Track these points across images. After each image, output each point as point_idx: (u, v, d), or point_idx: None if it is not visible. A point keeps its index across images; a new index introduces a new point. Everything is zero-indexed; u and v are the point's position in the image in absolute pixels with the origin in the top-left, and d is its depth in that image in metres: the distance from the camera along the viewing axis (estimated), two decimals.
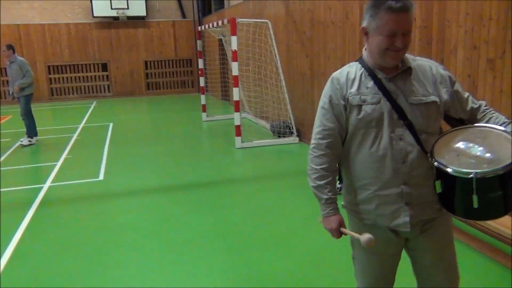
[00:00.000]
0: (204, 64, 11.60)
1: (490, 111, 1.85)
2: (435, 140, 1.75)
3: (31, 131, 8.30)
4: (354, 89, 1.77)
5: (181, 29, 16.50)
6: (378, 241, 1.78)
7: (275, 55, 7.91)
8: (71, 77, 15.89)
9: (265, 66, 8.75)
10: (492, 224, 3.20)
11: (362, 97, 1.75)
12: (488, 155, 1.64)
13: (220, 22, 8.30)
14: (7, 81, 9.27)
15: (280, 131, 7.89)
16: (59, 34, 15.42)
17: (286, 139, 7.76)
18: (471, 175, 1.59)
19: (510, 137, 1.67)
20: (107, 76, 16.17)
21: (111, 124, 10.35)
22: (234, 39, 7.34)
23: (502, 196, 1.62)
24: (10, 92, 8.19)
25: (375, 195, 1.79)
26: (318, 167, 1.84)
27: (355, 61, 1.86)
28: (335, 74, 1.87)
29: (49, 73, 15.63)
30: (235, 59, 7.42)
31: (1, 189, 5.60)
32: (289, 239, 3.92)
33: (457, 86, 1.83)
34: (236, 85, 7.51)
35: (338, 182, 1.93)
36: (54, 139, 8.93)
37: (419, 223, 1.81)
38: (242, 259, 3.56)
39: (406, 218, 1.77)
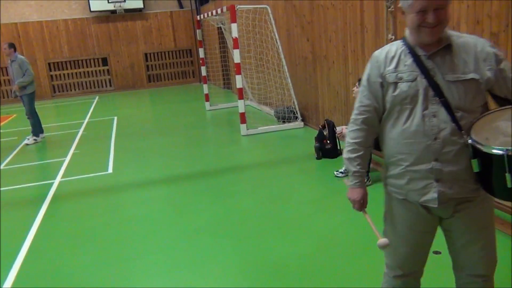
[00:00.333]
0: (205, 54, 11.57)
1: None
2: (476, 118, 1.74)
3: (37, 130, 8.35)
4: (392, 66, 1.81)
5: (179, 20, 16.43)
6: (409, 215, 1.89)
7: (276, 40, 7.88)
8: (72, 73, 15.91)
9: (266, 52, 8.72)
10: None
11: (399, 74, 1.78)
12: None
13: (219, 10, 8.26)
14: (9, 80, 9.29)
15: (285, 117, 7.90)
16: (58, 31, 15.39)
17: (291, 124, 7.77)
18: (502, 152, 1.56)
19: None
20: (108, 70, 16.17)
21: (115, 118, 10.39)
22: (234, 26, 7.31)
23: None
24: (13, 91, 8.23)
25: (407, 170, 1.83)
26: (352, 141, 1.94)
27: (400, 39, 1.89)
28: (375, 52, 1.91)
29: (50, 70, 15.64)
30: (236, 46, 7.40)
31: (13, 187, 5.68)
32: (300, 223, 3.95)
33: (504, 65, 1.78)
34: (239, 73, 7.51)
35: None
36: (60, 135, 8.99)
37: (451, 202, 1.81)
38: (255, 245, 3.60)
39: (434, 194, 1.79)
